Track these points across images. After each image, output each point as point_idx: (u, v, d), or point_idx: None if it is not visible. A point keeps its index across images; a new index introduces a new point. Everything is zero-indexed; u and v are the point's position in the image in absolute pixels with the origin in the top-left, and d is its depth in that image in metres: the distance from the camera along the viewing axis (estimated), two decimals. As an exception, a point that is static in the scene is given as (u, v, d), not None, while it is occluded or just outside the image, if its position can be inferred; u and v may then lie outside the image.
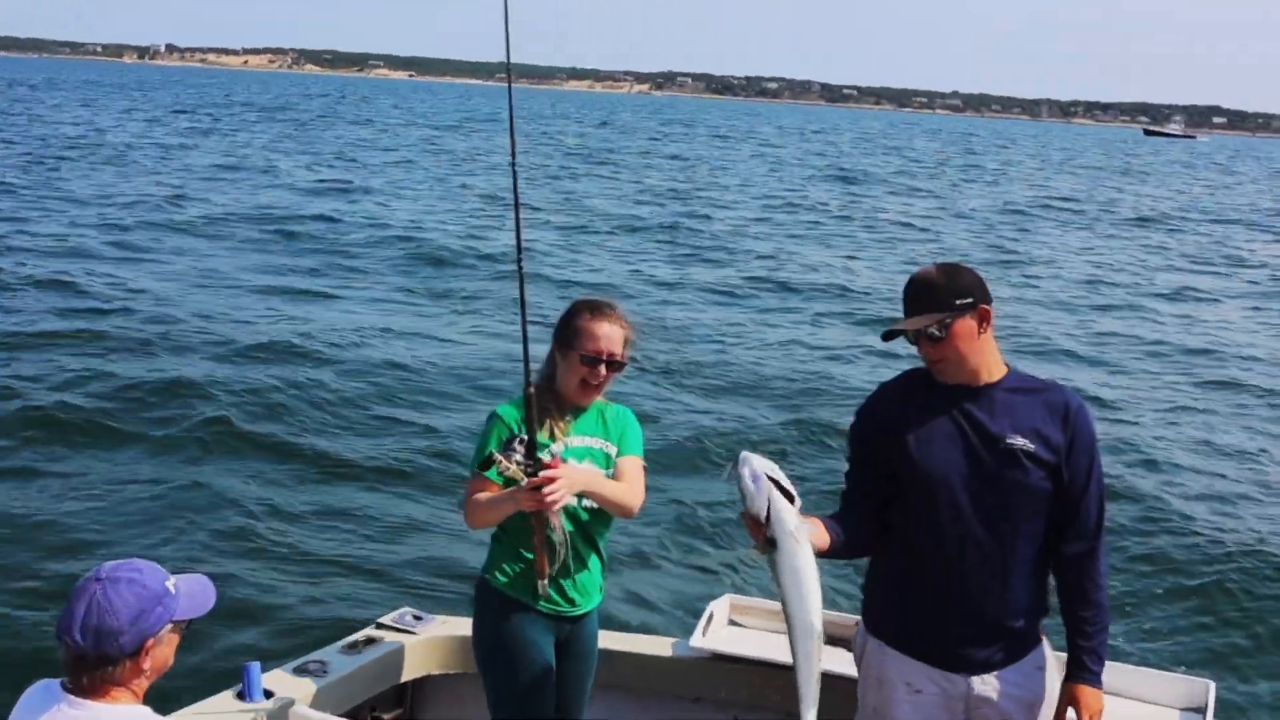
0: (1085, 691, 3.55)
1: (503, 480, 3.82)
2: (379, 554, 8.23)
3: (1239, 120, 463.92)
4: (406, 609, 4.71)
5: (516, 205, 4.15)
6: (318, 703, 4.03)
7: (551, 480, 3.68)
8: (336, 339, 14.63)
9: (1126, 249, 30.06)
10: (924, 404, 3.52)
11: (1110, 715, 3.85)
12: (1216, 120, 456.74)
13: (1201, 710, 4.16)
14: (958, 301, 3.44)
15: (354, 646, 4.38)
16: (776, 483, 3.19)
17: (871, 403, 3.66)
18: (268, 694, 3.94)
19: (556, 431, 3.94)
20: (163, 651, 2.77)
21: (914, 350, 3.55)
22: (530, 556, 3.88)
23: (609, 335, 3.96)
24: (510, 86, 4.22)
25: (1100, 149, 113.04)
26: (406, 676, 4.47)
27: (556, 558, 3.89)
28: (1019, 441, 3.43)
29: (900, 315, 3.53)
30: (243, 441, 10.45)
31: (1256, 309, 21.96)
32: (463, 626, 4.51)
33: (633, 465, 4.03)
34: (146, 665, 2.74)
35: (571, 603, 4.00)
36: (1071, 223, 36.27)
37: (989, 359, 3.51)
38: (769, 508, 3.17)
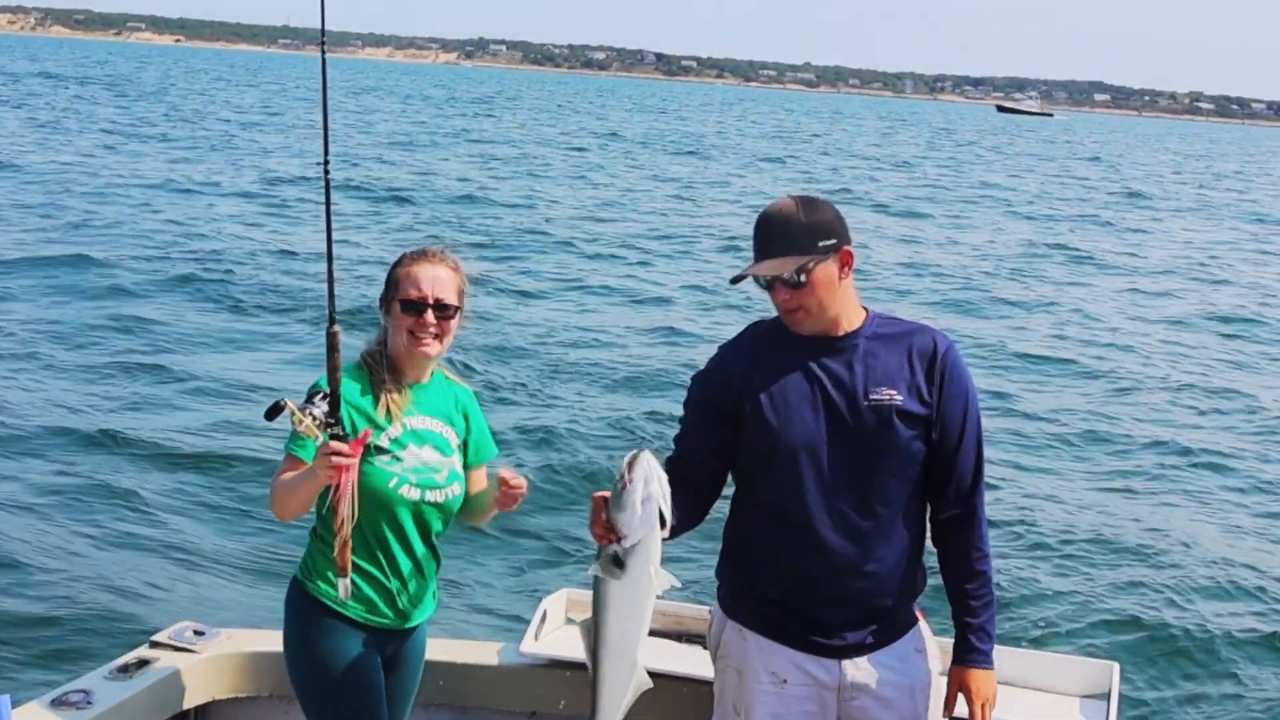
0: (976, 675, 3.54)
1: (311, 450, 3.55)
2: (149, 560, 7.87)
3: (1123, 98, 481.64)
4: (185, 623, 4.54)
5: (325, 104, 3.92)
6: None
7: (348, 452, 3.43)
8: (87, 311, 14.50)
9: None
10: (775, 362, 3.49)
11: (1006, 705, 3.89)
12: (1099, 97, 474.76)
13: (1105, 695, 4.23)
14: (820, 243, 3.40)
15: (124, 670, 4.19)
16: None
17: (713, 366, 3.60)
18: (17, 732, 3.71)
19: (393, 409, 3.75)
20: None
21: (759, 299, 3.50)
22: (360, 559, 3.65)
23: (433, 278, 3.78)
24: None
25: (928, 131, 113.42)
26: (188, 703, 4.30)
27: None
28: (885, 396, 3.42)
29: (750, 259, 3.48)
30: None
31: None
32: (253, 641, 4.40)
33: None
34: None
35: (404, 615, 3.83)
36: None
37: (850, 305, 3.50)
38: (641, 539, 3.09)
